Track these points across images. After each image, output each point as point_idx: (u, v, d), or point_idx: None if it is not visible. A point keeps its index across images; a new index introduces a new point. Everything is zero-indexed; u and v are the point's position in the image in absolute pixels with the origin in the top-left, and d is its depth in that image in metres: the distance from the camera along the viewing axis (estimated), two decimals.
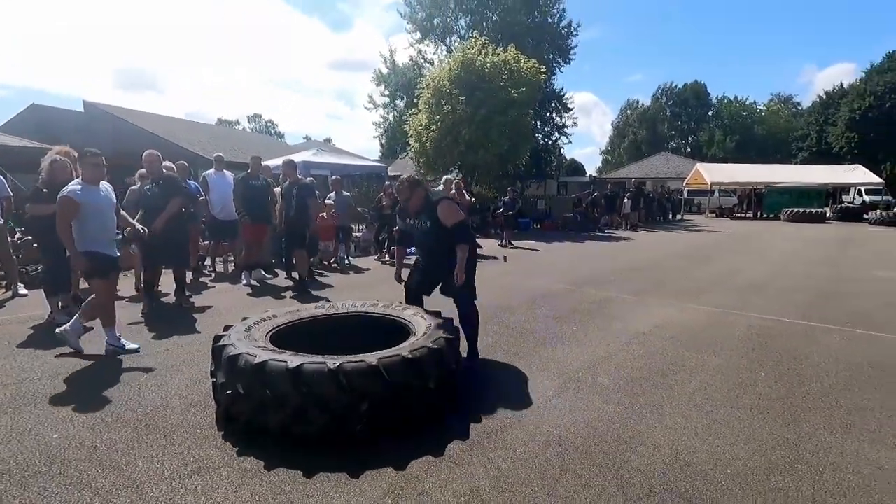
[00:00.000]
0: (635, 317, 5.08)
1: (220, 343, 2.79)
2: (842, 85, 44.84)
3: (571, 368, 3.61)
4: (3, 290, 6.13)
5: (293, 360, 2.50)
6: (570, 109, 24.70)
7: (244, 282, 6.65)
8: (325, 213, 7.90)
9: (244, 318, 3.26)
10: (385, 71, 25.96)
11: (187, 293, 5.65)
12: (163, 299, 5.66)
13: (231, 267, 7.77)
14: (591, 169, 61.35)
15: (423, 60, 26.85)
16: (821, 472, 2.29)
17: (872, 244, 12.64)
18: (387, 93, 26.50)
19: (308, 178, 8.30)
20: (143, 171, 5.75)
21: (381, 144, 40.81)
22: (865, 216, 21.30)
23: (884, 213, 20.25)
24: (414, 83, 24.83)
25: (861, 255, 10.29)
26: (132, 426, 2.69)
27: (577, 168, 54.72)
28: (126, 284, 6.38)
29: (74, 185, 3.74)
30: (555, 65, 25.50)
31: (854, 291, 6.47)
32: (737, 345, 4.19)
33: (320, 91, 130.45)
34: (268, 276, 7.16)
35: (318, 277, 7.28)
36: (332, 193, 8.42)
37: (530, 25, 24.05)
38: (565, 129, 24.79)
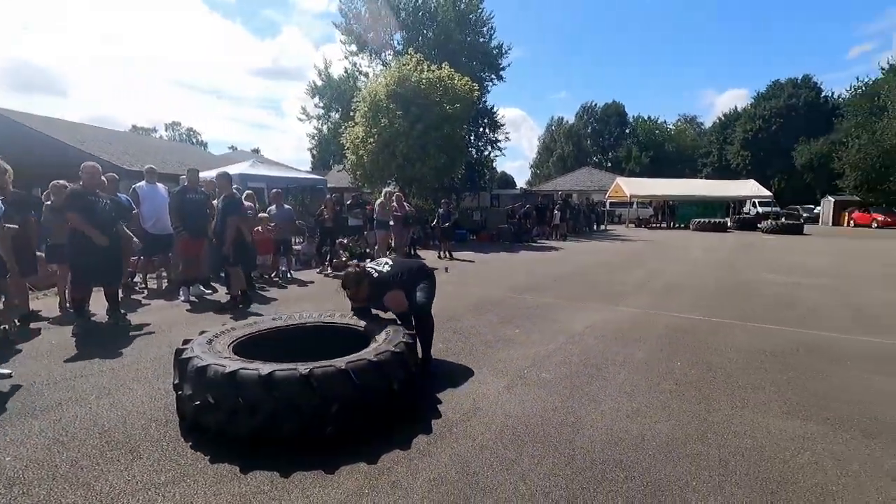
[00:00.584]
0: (570, 319, 5.57)
1: (185, 356, 2.84)
2: (736, 108, 50.34)
3: (517, 366, 3.95)
4: None
5: (264, 367, 2.62)
6: (501, 125, 25.77)
7: (182, 297, 6.44)
8: (260, 227, 7.80)
9: (202, 332, 3.29)
10: (320, 83, 25.67)
11: (122, 311, 5.42)
12: (93, 318, 5.37)
13: (164, 283, 7.45)
14: (520, 182, 63.98)
15: (357, 73, 26.88)
16: (725, 439, 2.76)
17: (764, 250, 14.37)
18: (321, 104, 26.20)
19: (246, 192, 8.19)
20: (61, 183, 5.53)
21: (313, 156, 40.09)
22: (759, 225, 24.00)
23: (774, 222, 22.97)
24: (349, 95, 24.82)
25: (755, 261, 11.71)
26: (92, 444, 2.66)
27: (507, 181, 56.82)
28: (49, 304, 5.98)
29: None
30: (487, 82, 26.53)
31: (749, 292, 7.43)
32: (657, 340, 4.75)
33: (244, 99, 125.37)
34: (207, 291, 6.96)
35: (260, 291, 7.18)
36: (273, 206, 8.33)
37: (464, 44, 24.90)
38: (498, 144, 25.78)
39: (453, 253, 12.14)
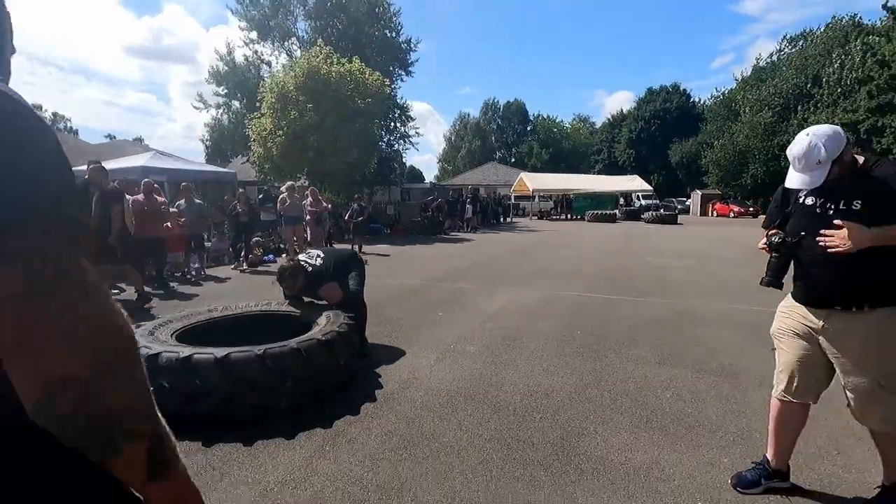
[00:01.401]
0: (486, 302, 6.16)
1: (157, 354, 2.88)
2: (622, 110, 55.52)
3: (444, 343, 4.42)
4: None
5: (219, 351, 2.80)
6: (412, 119, 26.18)
7: None
8: (169, 223, 7.46)
9: (138, 325, 3.32)
10: (223, 69, 24.13)
11: None
12: None
13: None
14: (429, 176, 65.04)
15: (259, 61, 25.67)
16: (614, 385, 3.45)
17: (646, 237, 16.36)
18: (222, 92, 24.66)
19: (153, 185, 7.77)
20: None
21: (206, 146, 37.28)
22: (642, 216, 26.97)
23: (654, 213, 25.97)
24: (252, 84, 23.65)
25: (639, 246, 13.37)
26: None
27: (416, 175, 57.49)
28: None
29: None
30: (396, 76, 26.74)
31: (636, 273, 8.63)
32: (561, 315, 5.50)
33: (121, 81, 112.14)
34: (114, 291, 6.58)
35: (176, 288, 6.94)
36: (182, 201, 7.99)
37: (373, 37, 24.87)
38: (409, 138, 26.15)
39: (363, 247, 12.33)
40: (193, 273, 7.96)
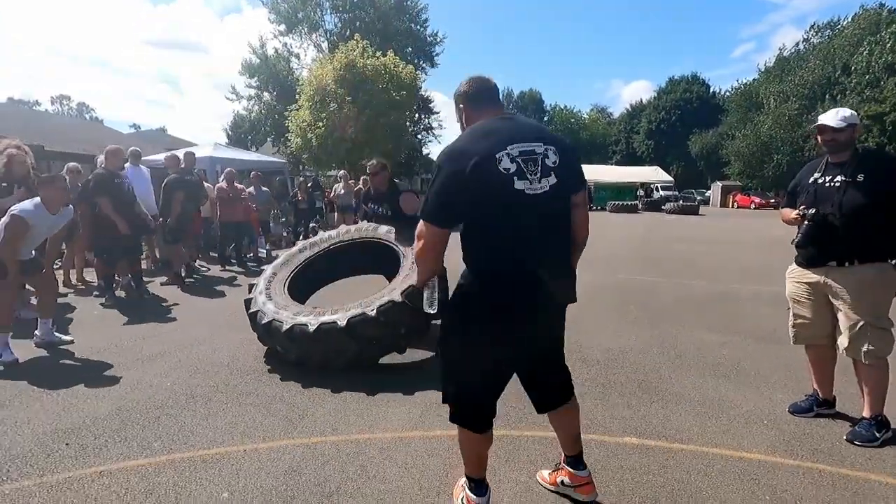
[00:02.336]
0: None
1: (264, 320, 3.42)
2: (641, 101, 55.22)
3: None
4: None
5: (341, 318, 3.26)
6: (436, 112, 26.74)
7: (185, 275, 6.80)
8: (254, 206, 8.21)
9: (252, 285, 3.91)
10: (256, 62, 24.88)
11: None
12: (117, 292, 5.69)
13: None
14: None
15: (288, 53, 26.36)
16: (675, 346, 4.07)
17: (671, 227, 16.80)
18: (255, 84, 25.44)
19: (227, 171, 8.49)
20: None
21: (228, 136, 38.10)
22: (663, 207, 27.29)
23: (675, 204, 26.29)
24: (282, 76, 24.38)
25: (665, 235, 13.86)
26: (216, 376, 3.37)
27: (430, 165, 57.94)
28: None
29: (29, 207, 3.62)
30: (421, 69, 27.26)
31: (667, 258, 9.18)
32: (611, 293, 6.10)
33: (139, 72, 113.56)
34: (204, 268, 7.33)
35: (251, 268, 7.68)
36: (251, 188, 8.71)
37: (400, 30, 25.38)
38: (433, 130, 26.72)
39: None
40: (263, 253, 8.70)
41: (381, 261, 4.21)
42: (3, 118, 17.72)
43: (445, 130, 29.00)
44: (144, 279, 5.93)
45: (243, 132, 33.18)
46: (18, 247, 3.57)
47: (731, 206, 34.08)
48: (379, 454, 2.40)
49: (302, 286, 4.11)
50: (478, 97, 1.84)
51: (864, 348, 2.45)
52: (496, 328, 1.69)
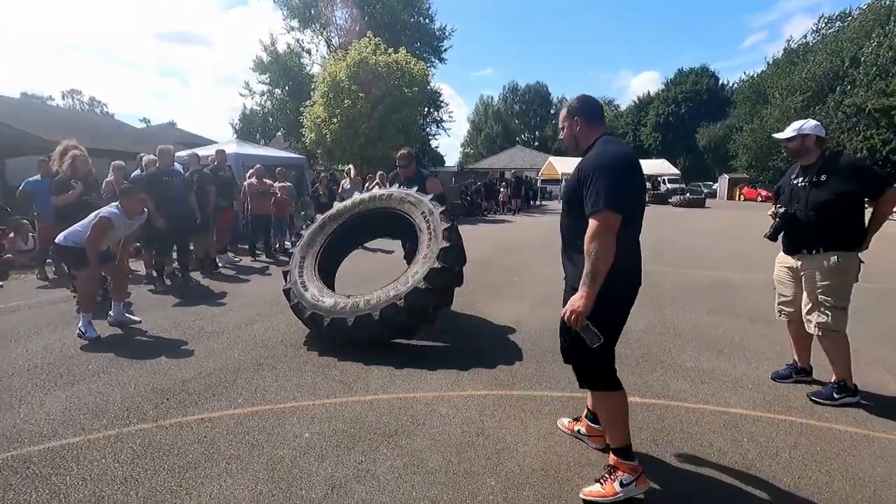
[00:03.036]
0: (552, 271, 7.23)
1: (307, 314, 3.91)
2: (649, 93, 55.19)
3: (531, 299, 5.55)
4: None
5: (374, 310, 3.69)
6: (445, 105, 27.12)
7: (221, 265, 7.33)
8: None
9: (285, 271, 4.34)
10: (266, 59, 25.37)
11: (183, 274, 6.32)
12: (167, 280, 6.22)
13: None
14: (451, 160, 65.36)
15: (300, 49, 26.79)
16: (676, 325, 4.53)
17: (677, 220, 17.17)
18: (266, 80, 25.95)
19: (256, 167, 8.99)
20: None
21: (235, 130, 38.77)
22: (670, 200, 27.56)
23: (682, 197, 26.56)
24: (294, 72, 24.83)
25: (672, 227, 14.25)
26: (278, 347, 3.88)
27: (436, 158, 58.20)
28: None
29: (114, 210, 4.21)
30: (429, 63, 27.61)
31: (669, 249, 9.61)
32: None
33: (145, 66, 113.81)
34: (236, 258, 7.87)
35: (281, 257, 8.21)
36: (281, 183, 9.21)
37: (408, 24, 25.72)
38: (443, 124, 27.10)
39: None
40: (288, 245, 9.21)
41: (397, 228, 4.64)
42: (19, 113, 17.61)
43: (454, 123, 29.35)
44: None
45: (253, 127, 33.88)
46: (101, 242, 4.11)
47: (738, 198, 34.27)
48: (425, 408, 2.90)
49: (329, 262, 4.54)
50: (594, 113, 2.18)
51: (815, 320, 2.92)
52: (630, 296, 2.17)
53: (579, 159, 2.14)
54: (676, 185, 32.36)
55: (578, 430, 2.58)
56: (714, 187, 38.57)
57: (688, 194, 28.52)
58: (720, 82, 49.85)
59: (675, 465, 2.36)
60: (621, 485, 2.05)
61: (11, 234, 7.21)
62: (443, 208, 4.25)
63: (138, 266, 6.79)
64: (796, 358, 3.30)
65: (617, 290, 2.02)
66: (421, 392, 3.13)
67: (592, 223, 1.91)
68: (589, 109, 2.17)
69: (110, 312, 4.42)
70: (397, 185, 4.70)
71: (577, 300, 1.92)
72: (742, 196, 33.88)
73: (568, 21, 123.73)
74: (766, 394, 3.11)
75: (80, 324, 4.04)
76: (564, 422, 2.67)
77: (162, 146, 5.91)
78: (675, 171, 32.73)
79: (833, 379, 3.00)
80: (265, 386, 3.18)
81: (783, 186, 3.19)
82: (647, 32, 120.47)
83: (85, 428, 2.62)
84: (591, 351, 2.00)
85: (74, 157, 5.11)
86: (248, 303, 5.30)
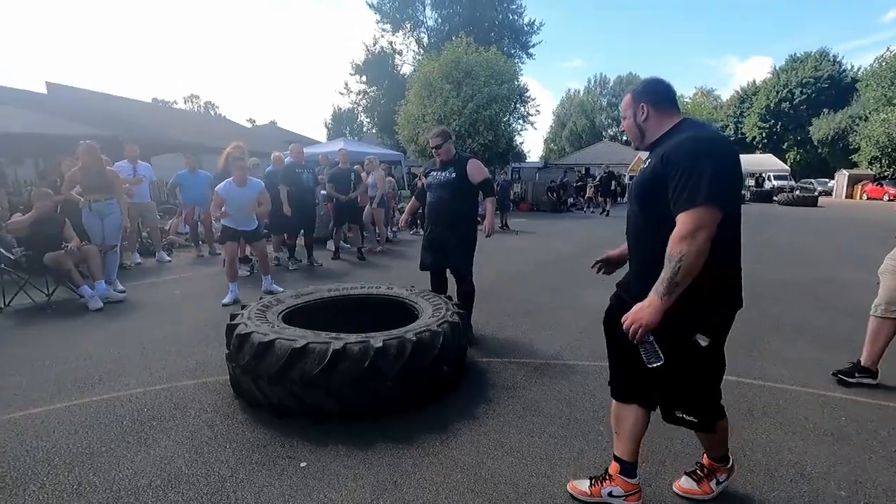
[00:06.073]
0: None
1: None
2: (755, 82, 50.83)
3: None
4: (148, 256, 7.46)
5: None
6: (532, 100, 27.16)
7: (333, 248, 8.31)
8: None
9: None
10: (363, 60, 27.15)
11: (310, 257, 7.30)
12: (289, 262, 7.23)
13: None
14: (534, 155, 64.53)
15: (392, 50, 28.18)
16: (778, 319, 4.59)
17: (780, 218, 16.03)
18: (363, 80, 27.74)
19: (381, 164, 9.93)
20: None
21: (327, 128, 41.59)
22: (775, 198, 25.50)
23: (788, 195, 24.48)
24: (387, 72, 26.23)
25: (775, 226, 13.42)
26: None
27: (519, 153, 57.73)
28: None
29: (223, 184, 5.09)
30: (516, 57, 27.77)
31: (773, 247, 9.20)
32: None
33: (246, 65, 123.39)
34: (347, 245, 8.86)
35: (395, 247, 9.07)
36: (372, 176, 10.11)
37: (495, 21, 26.08)
38: (529, 119, 27.19)
39: (508, 220, 13.90)
40: (390, 236, 10.11)
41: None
42: (148, 116, 19.71)
43: (539, 117, 29.18)
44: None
45: (343, 124, 36.31)
46: (220, 212, 5.01)
47: (859, 197, 30.73)
48: None
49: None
50: (666, 98, 1.85)
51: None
52: (729, 317, 1.80)
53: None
54: (784, 182, 29.80)
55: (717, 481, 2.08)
56: (830, 185, 34.85)
57: (797, 192, 26.17)
58: (843, 68, 44.64)
59: (768, 436, 2.62)
60: (610, 495, 1.99)
61: (174, 220, 8.71)
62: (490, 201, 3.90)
63: (268, 248, 7.95)
64: (865, 357, 3.20)
65: (720, 307, 1.76)
66: None
67: (685, 220, 1.56)
68: (658, 93, 1.85)
69: (267, 283, 5.38)
70: (433, 172, 3.97)
71: (644, 309, 1.62)
72: (864, 195, 30.29)
73: (665, 4, 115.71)
74: (869, 384, 3.21)
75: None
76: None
77: (293, 144, 6.91)
78: (783, 166, 30.11)
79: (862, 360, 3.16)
80: None
81: None
82: (759, 11, 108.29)
83: None
84: (694, 384, 1.80)
85: (228, 154, 6.17)
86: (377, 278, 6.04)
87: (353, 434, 2.52)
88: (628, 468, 1.97)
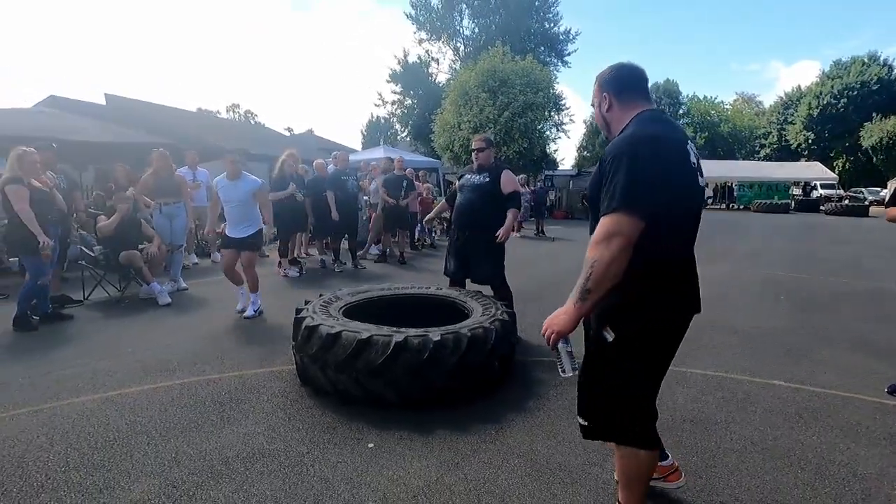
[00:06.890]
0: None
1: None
2: (799, 87, 49.02)
3: None
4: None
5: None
6: (567, 108, 27.04)
7: (374, 252, 8.60)
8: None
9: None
10: (398, 70, 27.75)
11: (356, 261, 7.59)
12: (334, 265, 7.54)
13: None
14: (564, 164, 63.56)
15: (429, 59, 28.69)
16: (821, 329, 4.54)
17: (826, 229, 15.47)
18: (398, 90, 28.33)
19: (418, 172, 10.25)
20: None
21: (363, 136, 42.51)
22: (821, 207, 24.54)
23: (836, 204, 23.53)
24: (423, 81, 26.70)
25: (822, 236, 12.98)
26: None
27: (551, 161, 57.26)
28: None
29: (219, 177, 4.76)
30: (552, 65, 27.78)
31: (817, 258, 8.95)
32: (760, 285, 6.48)
33: (282, 74, 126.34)
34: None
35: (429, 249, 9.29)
36: (422, 184, 10.42)
37: (531, 30, 26.21)
38: (563, 127, 27.07)
39: (544, 227, 13.91)
40: (428, 241, 10.37)
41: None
42: (194, 124, 19.18)
43: (573, 125, 29.05)
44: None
45: (378, 132, 37.11)
46: (217, 208, 4.84)
47: None
48: None
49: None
50: (629, 87, 1.70)
51: None
52: (676, 318, 1.66)
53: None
54: (832, 192, 28.63)
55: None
56: (882, 193, 33.17)
57: (845, 201, 25.12)
58: (894, 71, 42.54)
59: (819, 437, 2.66)
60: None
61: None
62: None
63: (313, 251, 8.29)
64: None
65: (648, 325, 1.60)
66: None
67: (601, 224, 1.48)
68: (621, 80, 1.70)
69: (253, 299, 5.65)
70: (467, 175, 4.15)
71: (560, 315, 1.56)
72: None
73: (707, 7, 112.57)
74: None
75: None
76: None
77: (338, 152, 7.26)
78: (831, 174, 28.93)
79: None
80: None
81: None
82: (807, 15, 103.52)
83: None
84: (614, 395, 1.66)
85: (282, 162, 6.53)
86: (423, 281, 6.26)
87: (412, 422, 2.70)
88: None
